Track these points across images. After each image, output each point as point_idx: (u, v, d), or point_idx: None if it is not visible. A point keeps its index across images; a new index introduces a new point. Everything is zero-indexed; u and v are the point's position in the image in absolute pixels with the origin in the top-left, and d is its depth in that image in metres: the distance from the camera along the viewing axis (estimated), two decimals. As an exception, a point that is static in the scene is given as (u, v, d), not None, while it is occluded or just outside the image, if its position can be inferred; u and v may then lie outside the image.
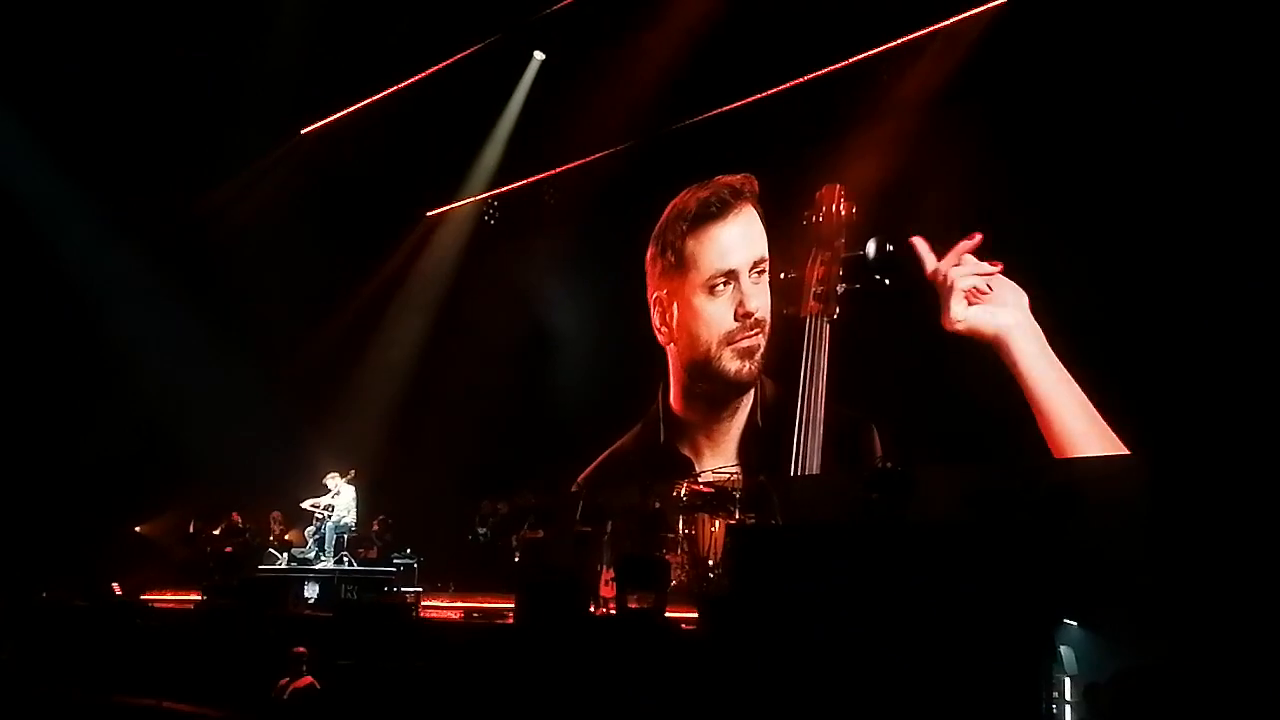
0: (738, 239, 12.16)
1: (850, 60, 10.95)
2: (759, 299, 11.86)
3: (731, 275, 12.05)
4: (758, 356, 11.79)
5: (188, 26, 12.18)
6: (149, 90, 12.70)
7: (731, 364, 12.02)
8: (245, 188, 13.77)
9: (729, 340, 12.06)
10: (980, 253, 9.77)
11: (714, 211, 12.34)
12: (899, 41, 10.53)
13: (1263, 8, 8.14)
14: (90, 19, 11.91)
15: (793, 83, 11.38)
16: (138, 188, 13.00)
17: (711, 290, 12.19)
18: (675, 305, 12.65)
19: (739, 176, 12.23)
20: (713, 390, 12.15)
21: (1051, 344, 9.26)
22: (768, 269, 11.84)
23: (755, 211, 12.05)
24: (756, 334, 11.82)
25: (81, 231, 12.93)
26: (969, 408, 9.47)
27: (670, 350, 12.73)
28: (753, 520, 9.41)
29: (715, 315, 12.19)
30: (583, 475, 12.70)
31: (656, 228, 13.05)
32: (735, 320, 11.99)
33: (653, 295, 12.95)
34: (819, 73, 11.19)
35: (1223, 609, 4.70)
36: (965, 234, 9.85)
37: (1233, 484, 7.37)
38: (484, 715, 6.09)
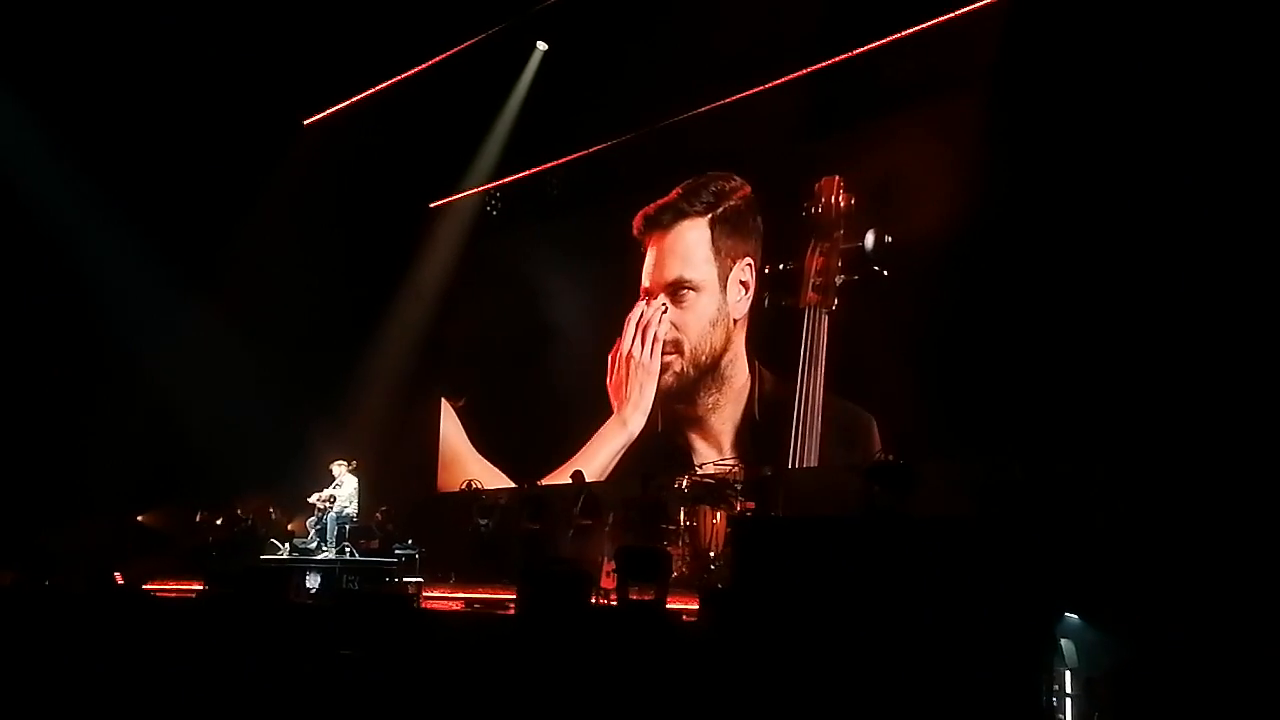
0: (662, 257, 12.60)
1: (850, 53, 10.93)
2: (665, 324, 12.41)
3: (646, 293, 12.66)
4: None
5: (192, 20, 12.15)
6: (155, 84, 12.68)
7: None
8: (249, 180, 13.76)
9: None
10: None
11: (665, 222, 12.65)
12: (899, 35, 10.50)
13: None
14: (95, 16, 11.90)
15: (795, 74, 11.36)
16: (145, 180, 13.00)
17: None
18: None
19: (726, 181, 12.26)
20: (705, 383, 12.20)
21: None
22: (697, 292, 12.20)
23: (707, 225, 12.24)
24: (673, 357, 12.29)
25: (89, 223, 12.92)
26: (968, 400, 9.46)
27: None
28: (752, 509, 9.40)
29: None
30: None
31: None
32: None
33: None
34: (820, 65, 11.18)
35: (1224, 602, 4.70)
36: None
37: (1233, 477, 7.37)
38: (485, 705, 6.10)
